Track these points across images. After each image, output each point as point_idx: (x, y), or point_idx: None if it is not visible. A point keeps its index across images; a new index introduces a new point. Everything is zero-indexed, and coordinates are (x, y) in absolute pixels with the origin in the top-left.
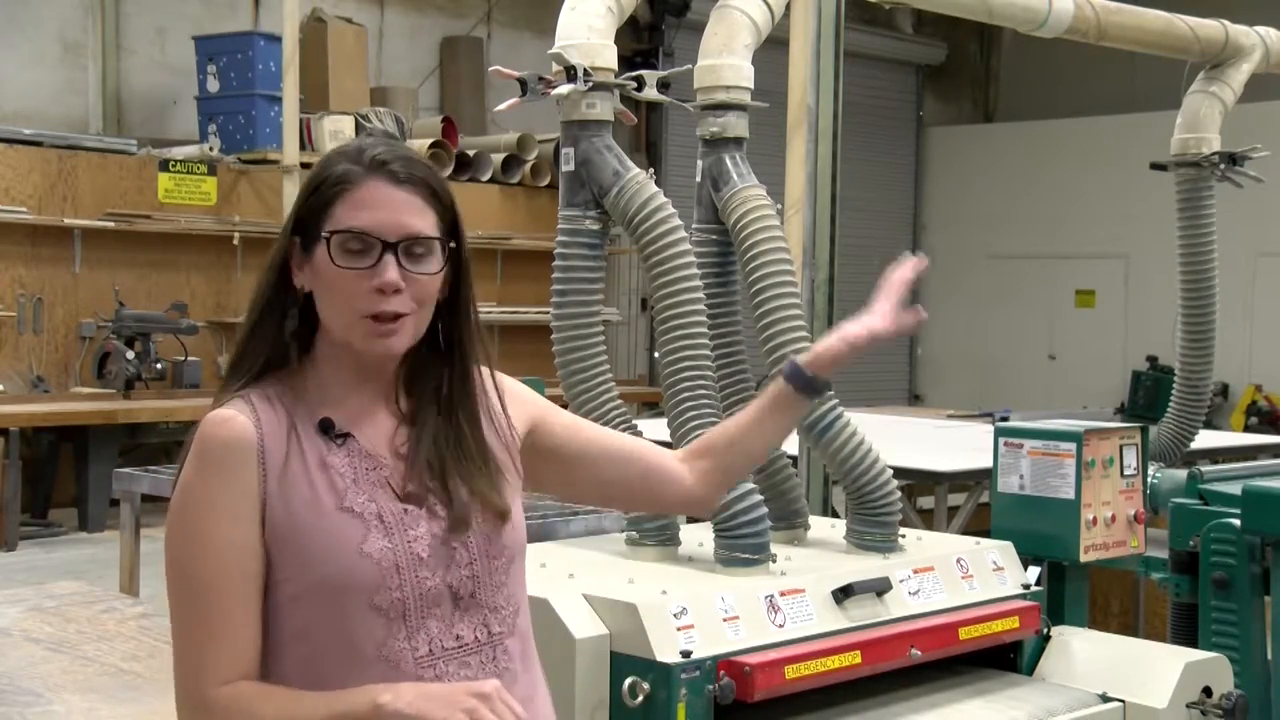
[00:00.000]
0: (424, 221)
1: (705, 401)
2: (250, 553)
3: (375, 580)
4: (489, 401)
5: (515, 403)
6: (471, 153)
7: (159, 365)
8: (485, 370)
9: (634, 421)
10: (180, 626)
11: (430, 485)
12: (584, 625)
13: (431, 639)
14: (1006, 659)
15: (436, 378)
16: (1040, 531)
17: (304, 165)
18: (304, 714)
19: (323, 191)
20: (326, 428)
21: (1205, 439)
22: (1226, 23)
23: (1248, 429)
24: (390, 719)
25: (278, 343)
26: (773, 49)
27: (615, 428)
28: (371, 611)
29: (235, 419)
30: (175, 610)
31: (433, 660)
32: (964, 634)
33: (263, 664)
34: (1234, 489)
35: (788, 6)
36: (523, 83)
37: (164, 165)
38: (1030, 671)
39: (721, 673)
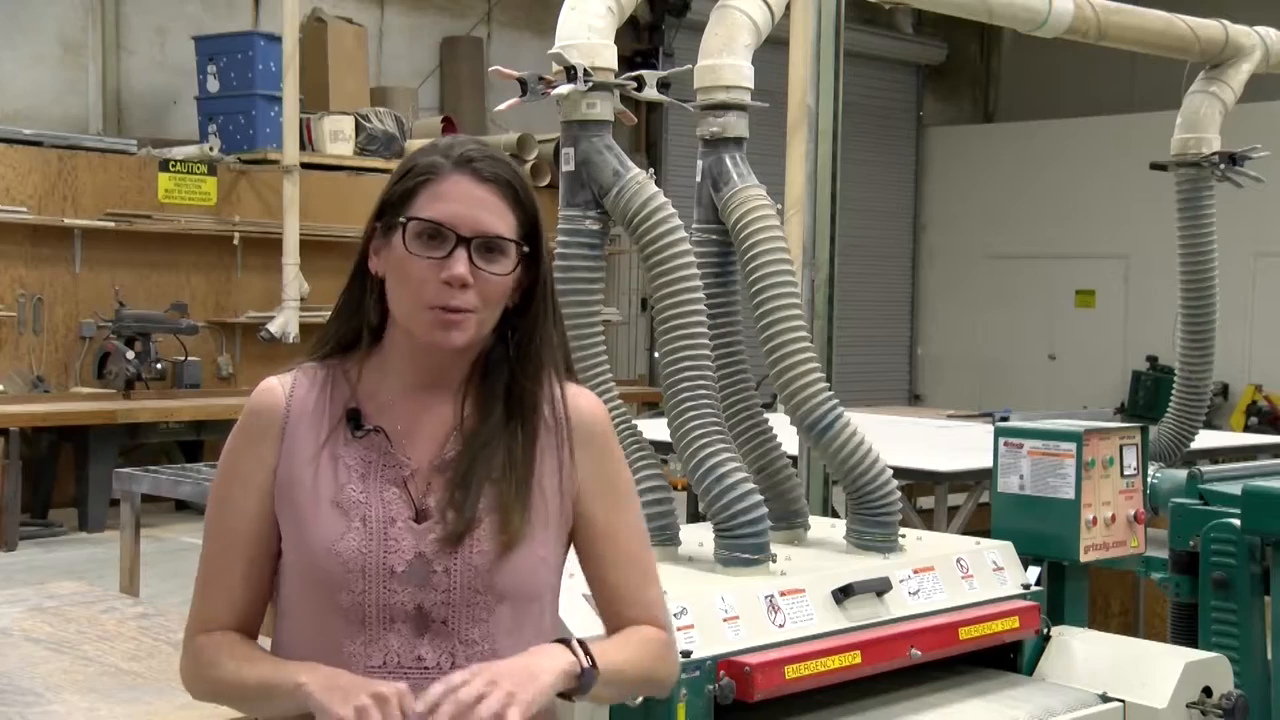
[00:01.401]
0: (501, 222)
1: (705, 401)
2: (253, 517)
3: (339, 579)
4: (556, 430)
5: (583, 447)
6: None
7: (159, 365)
8: (559, 390)
9: (634, 421)
10: (198, 570)
11: (451, 497)
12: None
13: (389, 652)
14: (1006, 659)
15: (503, 386)
16: (1040, 531)
17: (304, 165)
18: (251, 674)
19: (408, 180)
20: (351, 417)
21: (1205, 439)
22: (1226, 23)
23: (1248, 429)
24: (303, 699)
25: (353, 326)
26: (773, 49)
27: (615, 428)
28: (333, 609)
29: (271, 389)
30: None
31: (385, 673)
32: (964, 634)
33: (275, 626)
34: (1234, 489)
35: (788, 6)
36: (523, 83)
37: (164, 165)
38: (1030, 671)
39: (721, 673)
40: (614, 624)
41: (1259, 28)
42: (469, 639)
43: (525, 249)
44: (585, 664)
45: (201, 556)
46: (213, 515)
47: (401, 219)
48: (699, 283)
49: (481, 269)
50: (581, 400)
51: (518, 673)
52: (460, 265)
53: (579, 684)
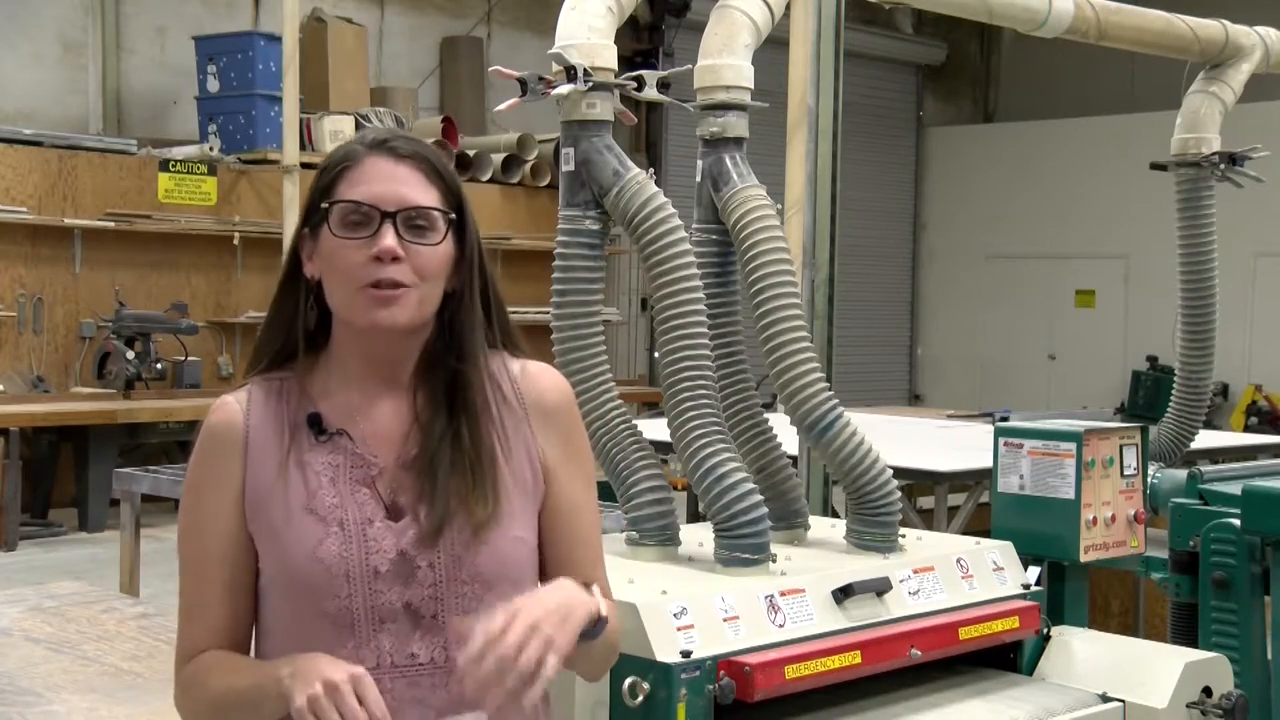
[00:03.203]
0: (425, 195)
1: (705, 401)
2: (225, 538)
3: (323, 586)
4: (511, 408)
5: (545, 425)
6: (471, 153)
7: (159, 365)
8: (516, 368)
9: (634, 421)
10: (179, 601)
11: (420, 494)
12: None
13: (382, 653)
14: (1006, 659)
15: (444, 372)
16: (1040, 531)
17: (304, 165)
18: (241, 681)
19: (326, 175)
20: (313, 423)
21: (1205, 439)
22: (1226, 23)
23: (1248, 429)
24: (285, 692)
25: (290, 336)
26: (773, 49)
27: (615, 428)
28: (320, 617)
29: (227, 407)
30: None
31: (379, 674)
32: (964, 634)
33: (256, 648)
34: (1234, 489)
35: (788, 6)
36: (523, 83)
37: (164, 165)
38: (1030, 671)
39: (721, 673)
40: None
41: (1259, 28)
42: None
43: (452, 216)
44: (601, 610)
45: (180, 588)
46: (185, 544)
47: (325, 206)
48: (699, 283)
49: (411, 242)
50: (543, 379)
51: (553, 614)
52: (388, 238)
53: (594, 629)
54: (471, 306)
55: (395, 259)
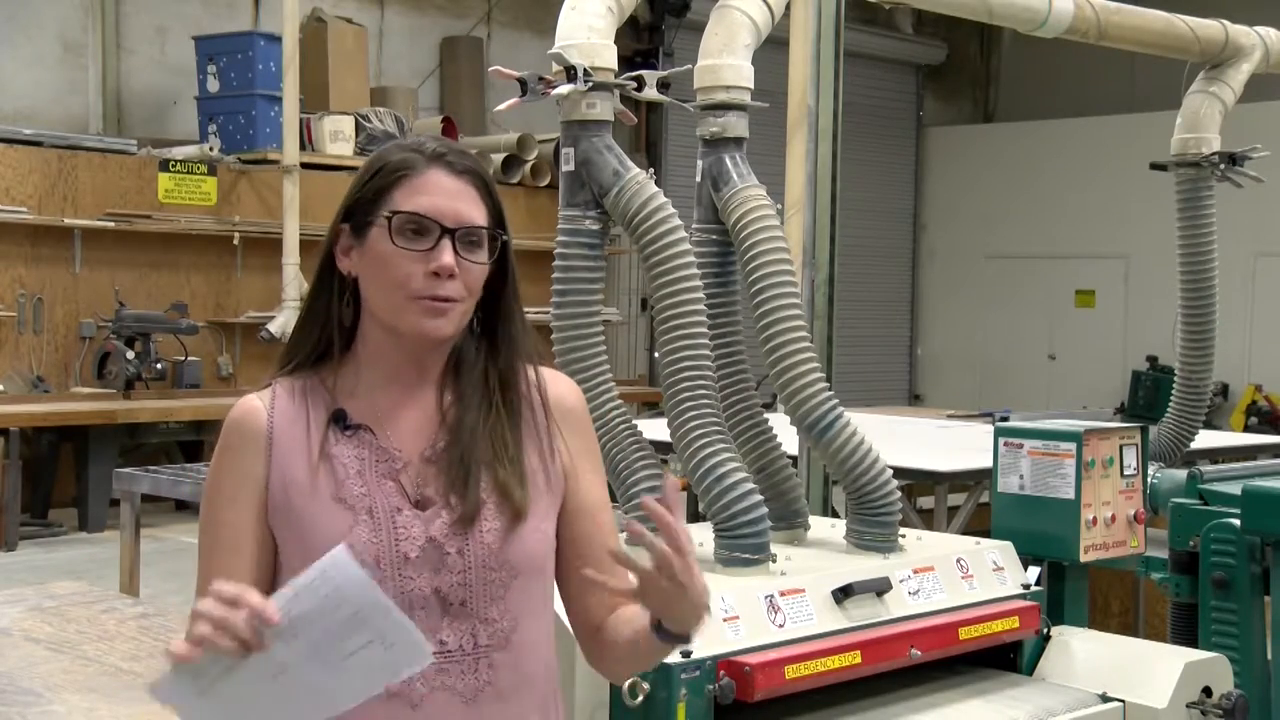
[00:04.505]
0: (478, 212)
1: (705, 401)
2: (244, 532)
3: None
4: (533, 410)
5: (566, 427)
6: (472, 152)
7: (159, 365)
8: (533, 373)
9: (634, 421)
10: (196, 594)
11: (452, 483)
12: None
13: None
14: (1006, 659)
15: (481, 374)
16: (1040, 531)
17: (304, 165)
18: None
19: (380, 178)
20: (339, 418)
21: (1205, 439)
22: (1226, 23)
23: (1248, 429)
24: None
25: (325, 331)
26: (773, 49)
27: (615, 428)
28: None
29: (250, 405)
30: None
31: None
32: (964, 634)
33: None
34: (1234, 489)
35: (788, 6)
36: (523, 83)
37: (164, 165)
38: (1030, 671)
39: (721, 673)
40: (593, 592)
41: (1259, 28)
42: (488, 617)
43: (503, 238)
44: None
45: (198, 580)
46: (206, 538)
47: (386, 214)
48: (699, 283)
49: (464, 259)
50: (560, 384)
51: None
52: (448, 255)
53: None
54: (517, 318)
55: (451, 275)
